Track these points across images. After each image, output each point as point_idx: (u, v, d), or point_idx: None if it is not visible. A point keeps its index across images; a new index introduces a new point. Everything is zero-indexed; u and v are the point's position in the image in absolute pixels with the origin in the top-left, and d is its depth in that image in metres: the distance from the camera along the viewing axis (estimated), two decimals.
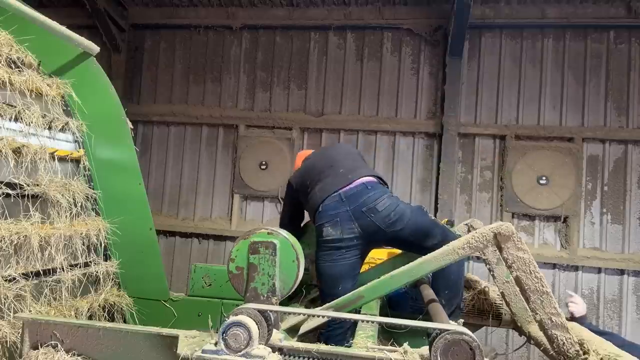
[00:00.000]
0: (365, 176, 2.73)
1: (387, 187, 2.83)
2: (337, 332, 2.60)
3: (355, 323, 2.72)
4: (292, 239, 2.10)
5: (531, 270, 1.92)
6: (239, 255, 2.02)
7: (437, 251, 2.14)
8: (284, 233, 2.09)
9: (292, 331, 2.39)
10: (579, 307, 2.85)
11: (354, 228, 2.61)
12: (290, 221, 3.16)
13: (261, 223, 6.14)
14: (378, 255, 3.49)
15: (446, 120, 5.66)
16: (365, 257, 2.86)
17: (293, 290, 2.10)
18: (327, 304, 2.23)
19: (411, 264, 2.17)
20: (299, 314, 2.16)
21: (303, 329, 2.36)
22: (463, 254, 2.06)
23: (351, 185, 2.68)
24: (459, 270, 2.69)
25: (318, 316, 2.24)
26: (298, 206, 3.08)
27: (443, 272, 2.61)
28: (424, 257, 2.16)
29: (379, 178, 2.82)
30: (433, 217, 2.91)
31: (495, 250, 2.15)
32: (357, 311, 2.26)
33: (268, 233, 2.03)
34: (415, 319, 2.04)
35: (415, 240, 2.63)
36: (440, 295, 2.58)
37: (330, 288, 2.63)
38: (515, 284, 2.11)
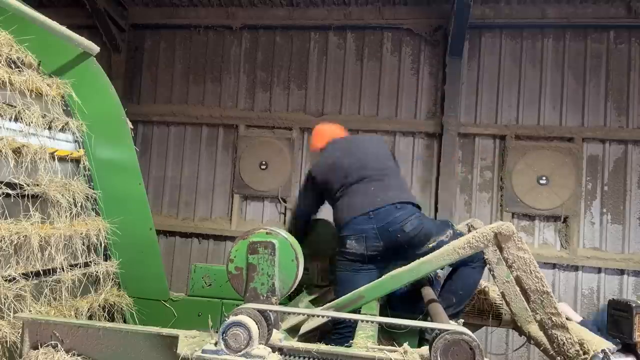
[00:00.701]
0: (395, 199, 2.70)
1: (416, 207, 2.76)
2: (347, 332, 2.60)
3: (356, 323, 2.72)
4: (291, 238, 2.10)
5: (531, 270, 1.93)
6: (238, 256, 2.02)
7: (437, 251, 2.15)
8: (283, 233, 2.09)
9: (293, 331, 2.39)
10: (571, 313, 2.82)
11: (378, 246, 2.63)
12: (316, 208, 3.21)
13: (261, 223, 6.13)
14: None
15: (446, 120, 5.66)
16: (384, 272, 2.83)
17: (293, 289, 2.10)
18: (328, 304, 2.24)
19: (412, 264, 2.17)
20: (299, 314, 2.16)
21: (304, 329, 2.36)
22: (463, 254, 2.06)
23: (380, 206, 2.67)
24: (479, 274, 2.69)
25: (318, 316, 2.24)
26: (321, 196, 3.08)
27: (464, 272, 2.62)
28: (424, 257, 2.16)
29: (409, 201, 2.75)
30: (458, 231, 2.79)
31: (495, 250, 2.15)
32: (357, 311, 2.26)
33: (267, 233, 2.03)
34: (415, 319, 2.04)
35: None
36: (454, 293, 2.58)
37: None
38: (515, 284, 2.11)
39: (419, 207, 2.78)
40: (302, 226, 3.23)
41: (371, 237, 2.63)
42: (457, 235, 2.58)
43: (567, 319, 2.20)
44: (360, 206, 2.72)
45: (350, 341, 1.86)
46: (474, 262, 2.62)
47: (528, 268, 1.92)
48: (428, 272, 2.20)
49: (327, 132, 3.27)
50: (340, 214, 2.80)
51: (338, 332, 2.62)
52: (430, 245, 2.57)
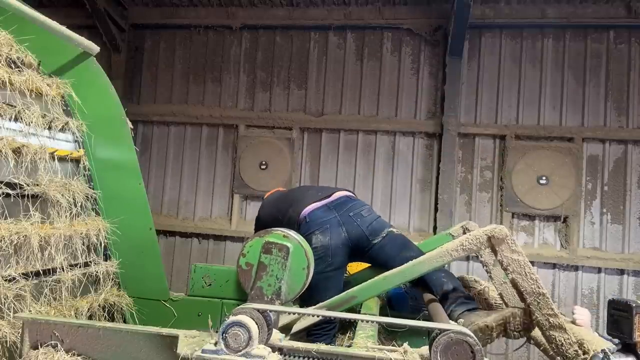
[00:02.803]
0: (343, 190, 2.91)
1: None
2: (329, 334, 2.60)
3: (342, 324, 2.72)
4: (307, 246, 2.08)
5: (526, 272, 1.93)
6: (251, 252, 2.00)
7: (430, 253, 2.15)
8: (299, 238, 2.07)
9: (285, 330, 2.39)
10: (585, 320, 2.79)
11: (341, 233, 2.65)
12: None
13: None
14: None
15: (446, 120, 5.66)
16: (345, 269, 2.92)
17: (297, 297, 2.09)
18: (320, 304, 2.23)
19: (405, 265, 2.17)
20: (299, 313, 2.16)
21: (295, 327, 2.35)
22: (456, 256, 2.07)
23: (334, 197, 2.80)
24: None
25: (318, 316, 2.24)
26: None
27: (443, 270, 2.63)
28: (417, 258, 2.16)
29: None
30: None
31: (491, 253, 2.15)
32: (358, 311, 2.26)
33: (284, 236, 2.02)
34: (415, 318, 2.04)
35: (395, 250, 2.67)
36: (452, 282, 2.57)
37: (317, 300, 2.55)
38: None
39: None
40: None
41: (334, 225, 2.69)
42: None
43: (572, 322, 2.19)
44: (314, 197, 2.88)
45: (351, 341, 1.86)
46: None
47: (523, 270, 1.92)
48: (421, 274, 2.19)
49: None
50: (295, 213, 2.90)
51: (321, 332, 2.59)
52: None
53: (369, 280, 2.20)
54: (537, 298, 1.91)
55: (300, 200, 2.83)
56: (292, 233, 2.06)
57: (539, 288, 1.91)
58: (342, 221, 2.68)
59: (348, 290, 2.19)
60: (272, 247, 1.96)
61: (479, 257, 2.59)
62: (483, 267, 2.57)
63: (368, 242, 2.69)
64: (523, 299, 1.95)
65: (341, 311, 2.11)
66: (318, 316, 2.20)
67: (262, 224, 3.05)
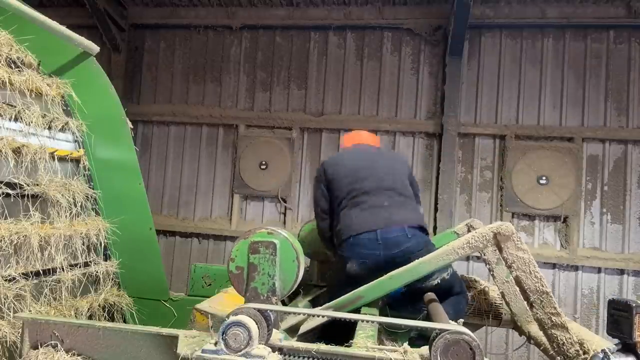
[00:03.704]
0: (408, 222, 2.59)
1: (427, 234, 2.67)
2: None
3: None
4: (292, 238, 2.10)
5: (531, 270, 1.93)
6: (239, 255, 2.01)
7: (436, 251, 2.15)
8: (284, 233, 2.09)
9: (292, 331, 2.39)
10: None
11: (381, 272, 2.38)
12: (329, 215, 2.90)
13: (261, 223, 6.13)
14: None
15: (446, 120, 5.66)
16: None
17: (293, 289, 2.10)
18: (327, 304, 2.24)
19: (411, 264, 2.17)
20: (299, 313, 2.16)
21: (303, 328, 2.36)
22: (463, 254, 2.07)
23: (390, 229, 2.54)
24: (466, 301, 2.70)
25: (318, 316, 2.24)
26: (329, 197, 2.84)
27: (453, 300, 2.59)
28: (423, 257, 2.16)
29: (420, 226, 2.64)
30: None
31: (495, 250, 2.15)
32: (358, 311, 2.26)
33: (268, 233, 2.03)
34: (415, 319, 2.04)
35: (440, 290, 2.51)
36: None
37: None
38: (515, 284, 2.11)
39: (426, 232, 2.67)
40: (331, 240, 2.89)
41: (374, 263, 2.49)
42: (455, 273, 2.63)
43: None
44: (366, 223, 2.57)
45: (351, 340, 1.86)
46: (461, 291, 2.63)
47: (527, 268, 1.92)
48: (426, 272, 2.19)
49: (359, 136, 3.11)
50: (343, 227, 2.63)
51: None
52: (434, 283, 2.45)
53: (376, 280, 2.20)
54: (541, 296, 1.91)
55: (361, 213, 2.59)
56: (276, 228, 2.08)
57: (543, 286, 1.91)
58: (385, 261, 2.48)
59: (354, 290, 2.20)
60: (258, 246, 1.97)
61: (482, 255, 2.58)
62: (486, 265, 2.57)
63: (414, 285, 2.45)
64: (526, 297, 1.95)
65: (348, 311, 2.12)
66: (323, 317, 2.21)
67: (326, 180, 2.81)
